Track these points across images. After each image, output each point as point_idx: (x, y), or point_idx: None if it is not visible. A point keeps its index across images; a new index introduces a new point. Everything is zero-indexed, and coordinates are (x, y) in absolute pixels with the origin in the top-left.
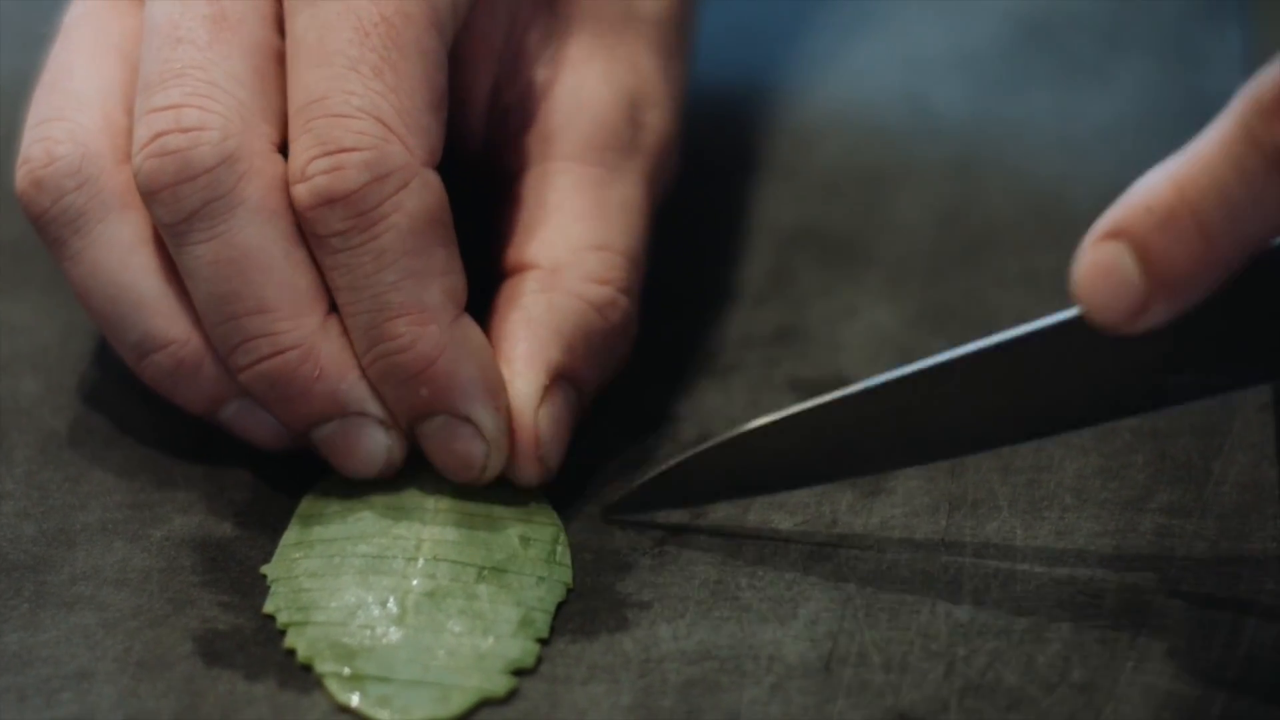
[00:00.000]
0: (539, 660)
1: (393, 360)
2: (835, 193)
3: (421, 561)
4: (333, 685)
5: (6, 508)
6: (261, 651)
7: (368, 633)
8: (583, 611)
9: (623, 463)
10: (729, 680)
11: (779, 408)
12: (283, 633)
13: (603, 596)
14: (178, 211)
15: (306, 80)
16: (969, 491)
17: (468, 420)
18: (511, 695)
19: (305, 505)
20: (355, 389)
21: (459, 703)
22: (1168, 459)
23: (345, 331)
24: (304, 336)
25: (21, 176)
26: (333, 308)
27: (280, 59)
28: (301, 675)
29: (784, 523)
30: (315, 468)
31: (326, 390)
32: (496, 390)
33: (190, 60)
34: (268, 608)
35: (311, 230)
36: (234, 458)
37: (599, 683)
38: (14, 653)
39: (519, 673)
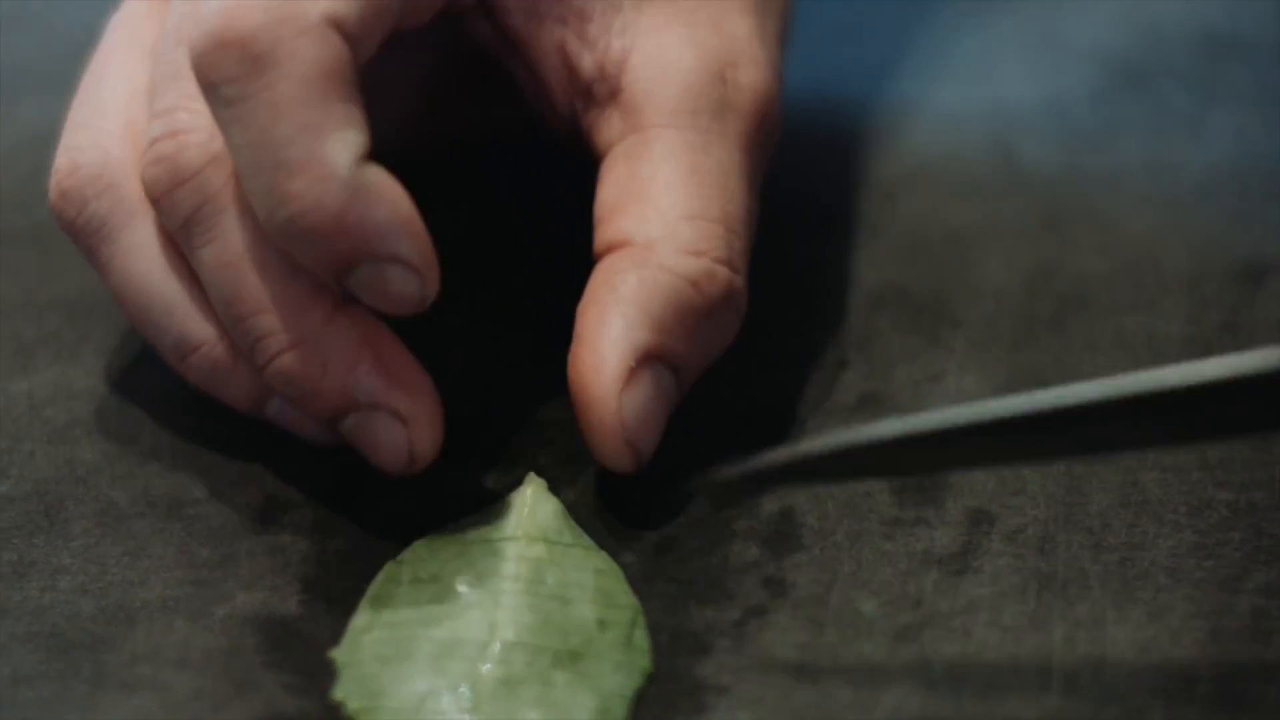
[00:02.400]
0: None
1: (302, 221)
2: (920, 250)
3: (496, 646)
4: None
5: (64, 583)
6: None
7: None
8: (660, 696)
9: (702, 536)
10: None
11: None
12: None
13: (680, 680)
14: (176, 217)
15: None
16: (1059, 570)
17: (394, 259)
18: None
19: (377, 586)
20: (365, 382)
21: None
22: (1265, 536)
23: (355, 324)
24: (307, 333)
25: (51, 189)
26: (339, 302)
27: None
28: None
29: (867, 603)
30: (382, 541)
31: (335, 386)
32: (412, 223)
33: (186, 62)
34: (336, 694)
35: (205, 81)
36: (298, 529)
37: None
38: None
39: None
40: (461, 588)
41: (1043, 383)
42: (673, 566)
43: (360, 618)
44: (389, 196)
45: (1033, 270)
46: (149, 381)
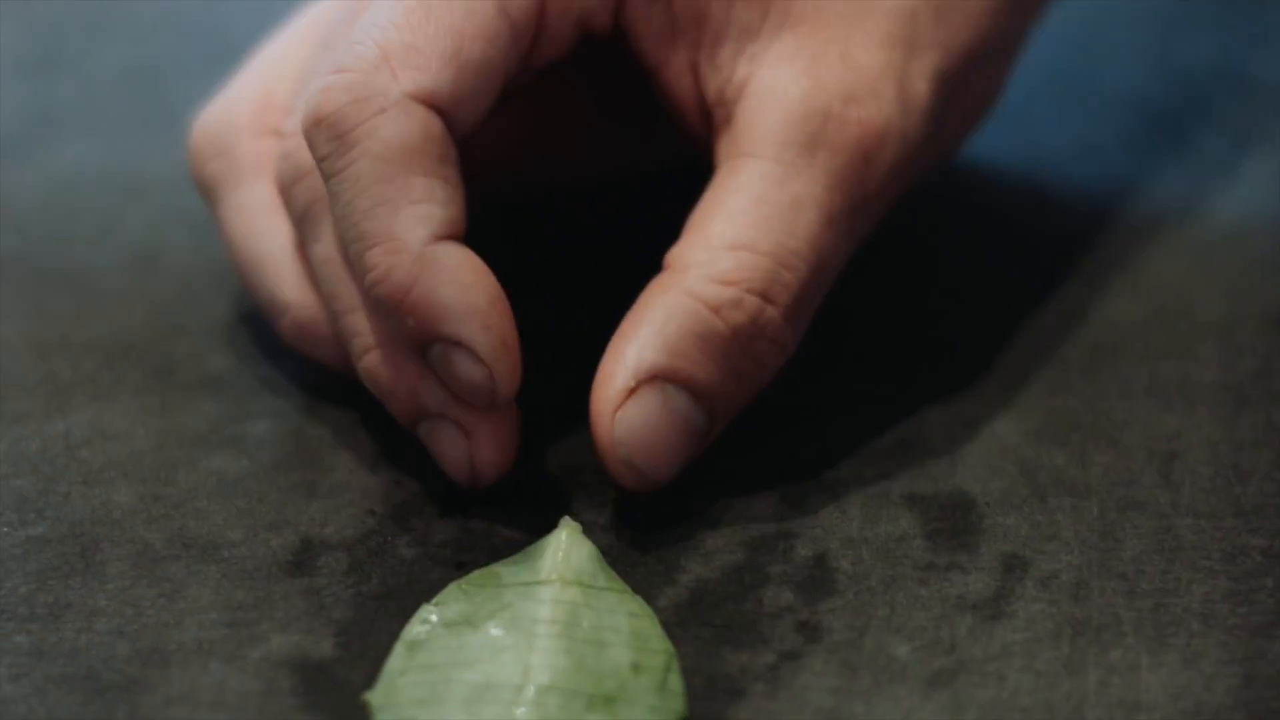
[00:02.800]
0: None
1: (375, 292)
2: (954, 296)
3: (530, 690)
4: None
5: (99, 625)
6: None
7: None
8: None
9: (734, 579)
10: None
11: (894, 522)
12: None
13: None
14: (296, 210)
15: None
16: (1093, 616)
17: (458, 343)
18: None
19: (412, 629)
20: (434, 391)
21: None
22: None
23: None
24: (389, 337)
25: (187, 146)
26: None
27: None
28: None
29: (901, 648)
30: (416, 583)
31: (408, 391)
32: (482, 309)
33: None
34: None
35: (311, 154)
36: (333, 572)
37: None
38: None
39: None
40: (496, 631)
41: (1076, 428)
42: (707, 611)
43: (395, 660)
44: (460, 279)
45: (1066, 315)
46: (185, 424)
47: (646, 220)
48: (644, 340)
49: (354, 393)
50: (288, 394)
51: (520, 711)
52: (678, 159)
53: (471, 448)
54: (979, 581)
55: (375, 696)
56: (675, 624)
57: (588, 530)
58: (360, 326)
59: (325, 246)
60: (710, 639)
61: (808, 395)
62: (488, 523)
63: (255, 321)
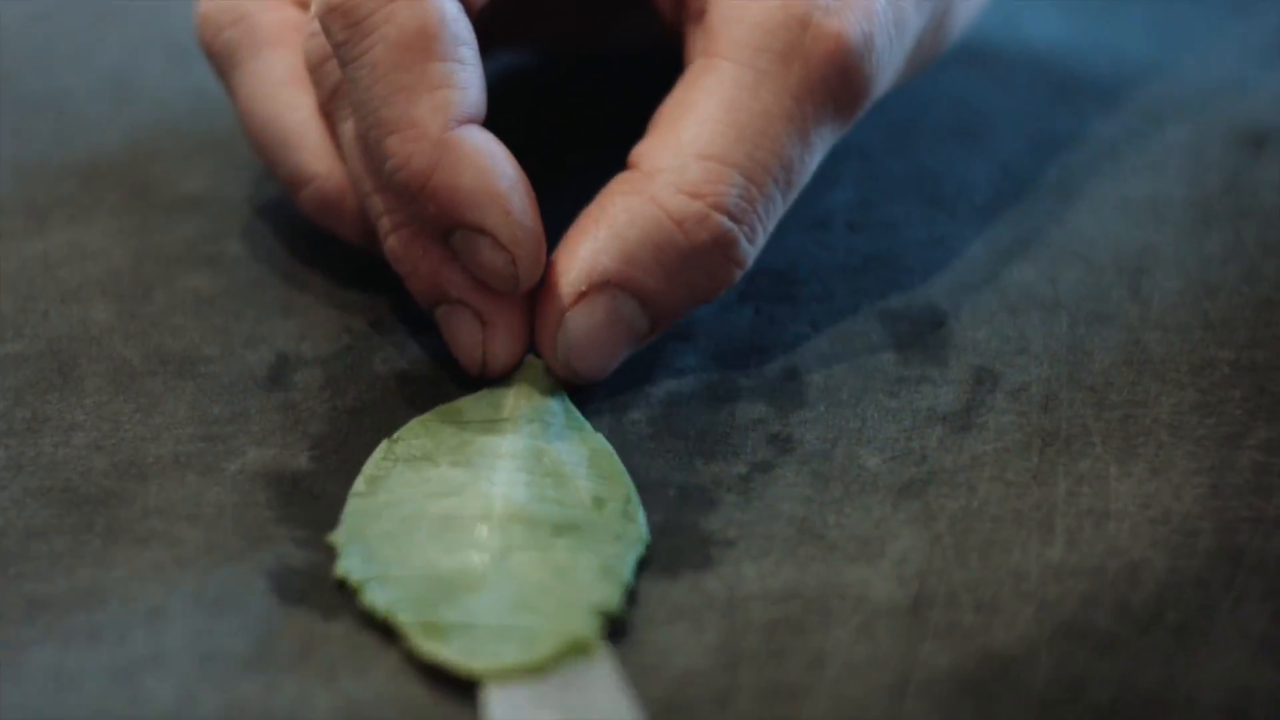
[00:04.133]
0: (624, 606)
1: (394, 179)
2: (927, 119)
3: (494, 520)
4: (416, 636)
5: (77, 439)
6: (335, 592)
7: (447, 584)
8: (666, 550)
9: (707, 393)
10: (815, 621)
11: (866, 337)
12: (357, 594)
13: (686, 534)
14: (324, 90)
15: None
16: (1062, 427)
17: (481, 230)
18: (596, 645)
19: (373, 466)
20: (455, 276)
21: (546, 647)
22: (1266, 394)
23: None
24: (410, 218)
25: (195, 16)
26: None
27: None
28: (374, 619)
29: (872, 459)
30: (390, 399)
31: (430, 272)
32: (503, 194)
33: None
34: (339, 572)
35: (328, 41)
36: (308, 388)
37: (683, 623)
38: (85, 589)
39: (605, 618)
40: (457, 466)
41: (1046, 244)
42: (679, 424)
43: (356, 499)
44: (479, 164)
45: (1036, 136)
46: (162, 243)
47: (617, 103)
48: (602, 244)
49: None
50: (264, 214)
51: (486, 539)
52: (655, 39)
53: (486, 337)
54: (949, 394)
55: (339, 536)
56: (649, 437)
57: None
58: (388, 205)
59: (352, 125)
60: (683, 451)
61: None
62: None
63: (231, 145)
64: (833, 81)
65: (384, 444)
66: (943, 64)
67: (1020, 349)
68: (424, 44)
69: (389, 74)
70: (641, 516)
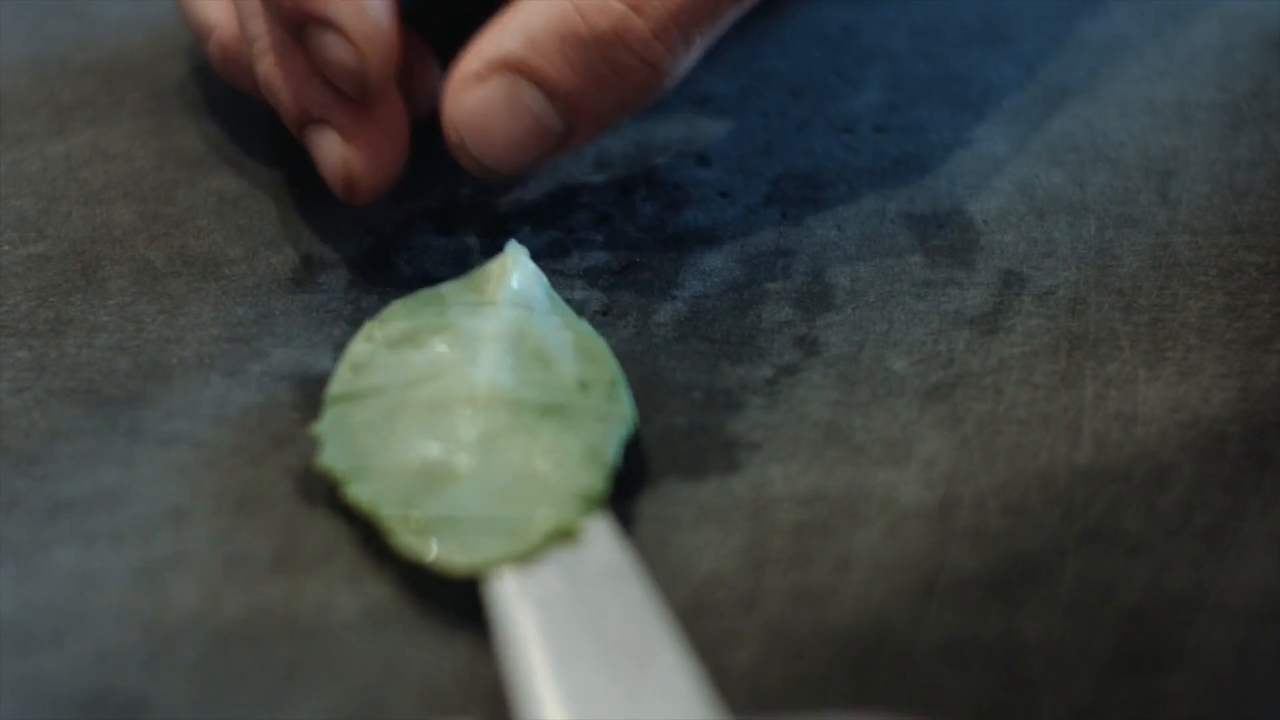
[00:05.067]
0: (610, 488)
1: None
2: (951, 21)
3: (480, 404)
4: (399, 531)
5: (101, 341)
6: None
7: (431, 474)
8: (692, 452)
9: (733, 296)
10: (841, 523)
11: (892, 240)
12: (339, 487)
13: (712, 436)
14: None
15: None
16: (1090, 330)
17: (328, 22)
18: (581, 529)
19: (354, 351)
20: (316, 95)
21: (532, 536)
22: None
23: None
24: (281, 41)
25: None
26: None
27: None
28: None
29: (899, 361)
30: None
31: (294, 93)
32: None
33: None
34: (323, 462)
35: None
36: (332, 289)
37: (709, 525)
38: (110, 490)
39: (590, 502)
40: (441, 347)
41: (1074, 148)
42: (705, 326)
43: (337, 385)
44: None
45: (1063, 39)
46: (184, 144)
47: None
48: (505, 30)
49: None
50: None
51: (470, 421)
52: None
53: (349, 155)
54: (976, 297)
55: (323, 426)
56: (675, 339)
57: (587, 247)
58: (259, 30)
59: None
60: (709, 353)
61: (808, 116)
62: (481, 239)
63: None
64: None
65: (366, 326)
66: None
67: (1048, 252)
68: None
69: None
70: (627, 399)
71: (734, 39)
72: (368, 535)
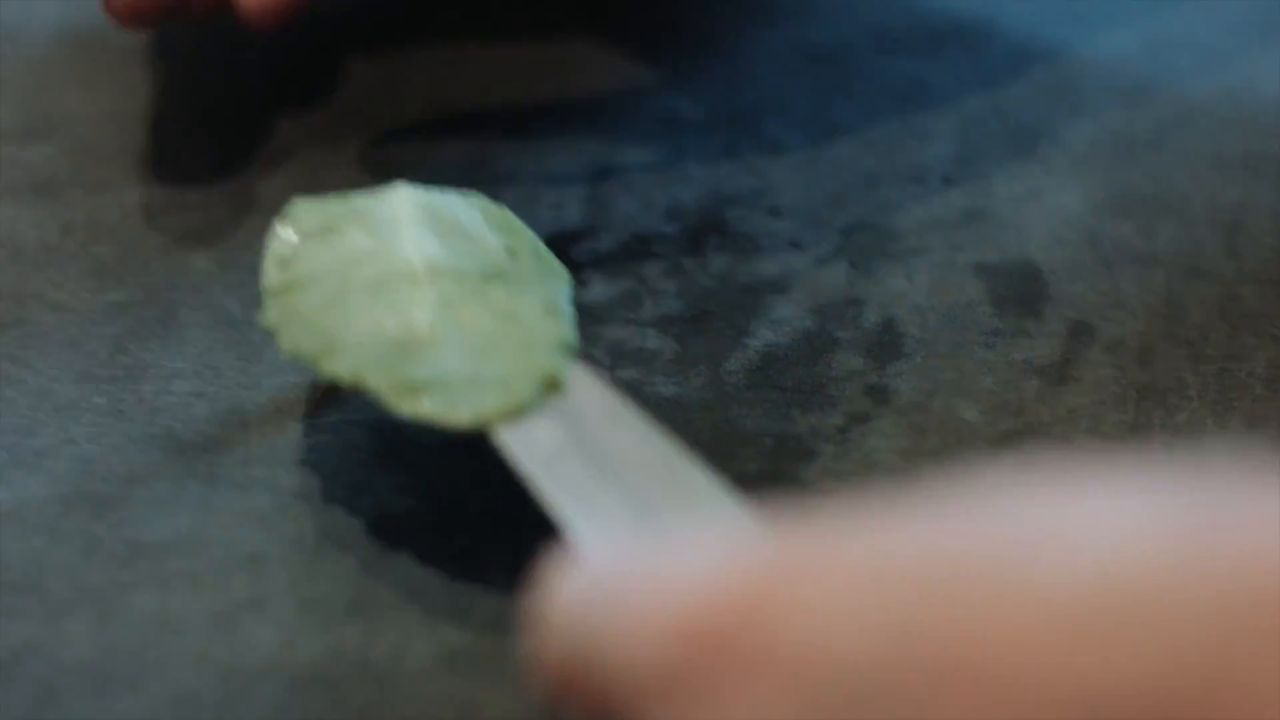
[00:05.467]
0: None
1: None
2: (1020, 71)
3: (421, 279)
4: (392, 397)
5: (179, 387)
6: (435, 540)
7: (404, 343)
8: (763, 500)
9: (804, 345)
10: None
11: (961, 290)
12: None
13: (784, 485)
14: None
15: None
16: (1158, 380)
17: None
18: (565, 377)
19: (275, 249)
20: None
21: (525, 385)
22: None
23: None
24: None
25: None
26: None
27: None
28: (473, 566)
29: (969, 410)
30: None
31: None
32: None
33: None
34: (285, 346)
35: None
36: None
37: None
38: (186, 535)
39: (569, 351)
40: (360, 234)
41: (1141, 200)
42: (777, 374)
43: (272, 277)
44: None
45: (1132, 92)
46: (262, 193)
47: None
48: None
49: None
50: (361, 165)
51: (427, 294)
52: None
53: None
54: (1045, 347)
55: (269, 316)
56: (746, 387)
57: (659, 296)
58: None
59: None
60: (780, 402)
61: (873, 164)
62: None
63: (329, 100)
64: None
65: (276, 225)
66: (1038, 21)
67: (1116, 303)
68: None
69: None
70: (557, 261)
71: (805, 91)
72: (445, 578)
